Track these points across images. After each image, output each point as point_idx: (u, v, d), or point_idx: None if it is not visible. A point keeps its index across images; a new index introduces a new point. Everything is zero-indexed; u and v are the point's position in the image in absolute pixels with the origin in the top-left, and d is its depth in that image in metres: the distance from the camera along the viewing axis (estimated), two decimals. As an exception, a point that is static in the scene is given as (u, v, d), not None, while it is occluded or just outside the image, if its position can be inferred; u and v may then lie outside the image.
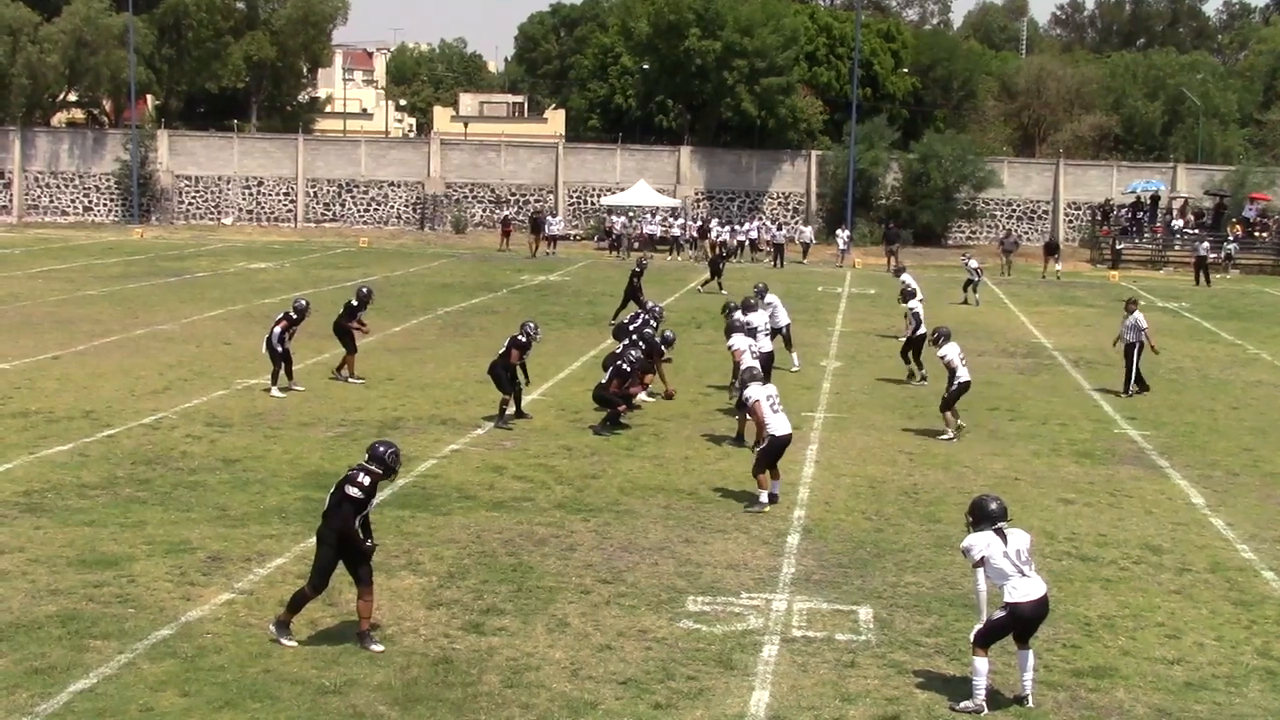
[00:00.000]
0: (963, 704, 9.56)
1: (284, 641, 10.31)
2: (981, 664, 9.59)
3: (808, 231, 55.54)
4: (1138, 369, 23.11)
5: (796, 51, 66.63)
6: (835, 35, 72.57)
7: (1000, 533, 9.68)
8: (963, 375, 19.00)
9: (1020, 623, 9.61)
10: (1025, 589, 9.55)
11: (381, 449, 10.51)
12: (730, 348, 19.89)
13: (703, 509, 14.84)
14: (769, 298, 23.56)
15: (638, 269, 31.67)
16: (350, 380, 21.76)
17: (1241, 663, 10.73)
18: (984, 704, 9.54)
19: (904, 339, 24.21)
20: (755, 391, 14.80)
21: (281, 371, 20.86)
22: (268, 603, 11.23)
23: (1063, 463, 17.89)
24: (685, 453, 17.64)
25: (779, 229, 54.37)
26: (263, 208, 65.46)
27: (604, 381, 19.02)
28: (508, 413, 18.93)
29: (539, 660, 10.26)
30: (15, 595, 11.29)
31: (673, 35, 64.13)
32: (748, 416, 16.44)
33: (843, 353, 27.46)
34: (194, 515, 13.92)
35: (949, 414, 19.13)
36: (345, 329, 22.15)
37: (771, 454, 14.90)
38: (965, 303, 37.25)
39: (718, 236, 52.07)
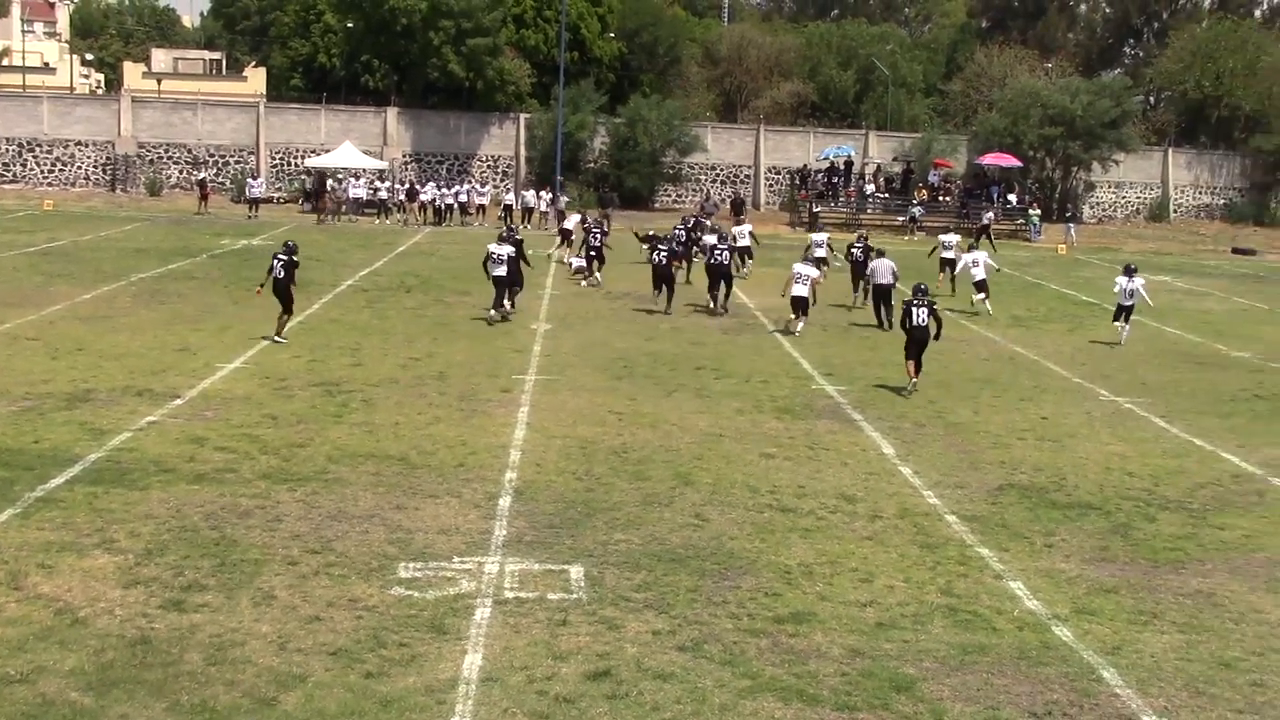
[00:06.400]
0: None
1: None
2: None
3: (528, 196, 54.93)
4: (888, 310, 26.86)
5: (503, 13, 66.22)
6: (542, -2, 72.48)
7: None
8: None
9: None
10: None
11: None
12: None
13: (413, 474, 14.70)
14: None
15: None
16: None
17: (927, 601, 11.41)
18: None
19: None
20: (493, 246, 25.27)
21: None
22: (-55, 590, 10.51)
23: (764, 419, 18.54)
24: (395, 418, 17.42)
25: (484, 190, 54.33)
26: (-67, 167, 60.82)
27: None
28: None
29: (244, 635, 9.97)
30: None
31: (377, -8, 62.67)
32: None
33: (552, 315, 27.63)
34: None
35: None
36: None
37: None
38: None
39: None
